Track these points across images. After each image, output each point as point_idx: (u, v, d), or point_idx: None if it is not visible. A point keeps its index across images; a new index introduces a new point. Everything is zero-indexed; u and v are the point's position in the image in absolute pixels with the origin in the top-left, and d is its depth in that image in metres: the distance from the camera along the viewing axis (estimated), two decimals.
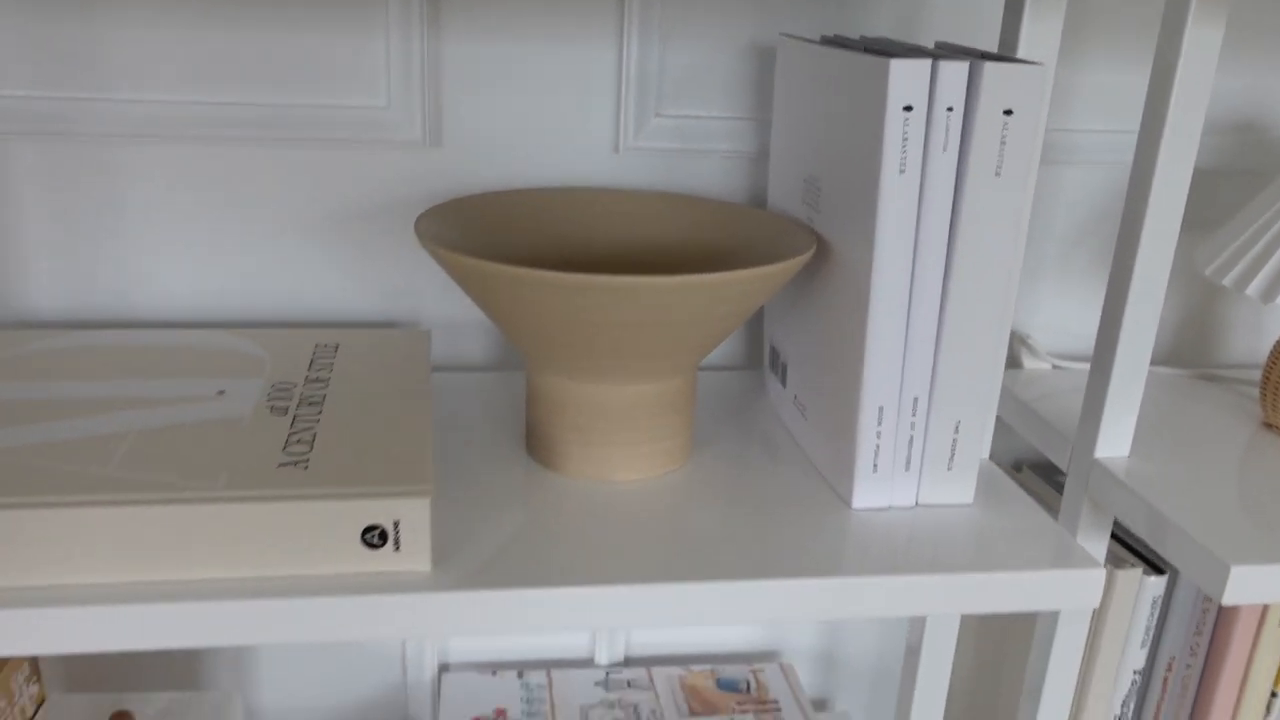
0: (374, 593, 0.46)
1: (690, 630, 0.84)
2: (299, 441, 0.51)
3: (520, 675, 0.80)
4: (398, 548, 0.47)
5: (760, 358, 0.77)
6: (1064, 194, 0.76)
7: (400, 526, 0.47)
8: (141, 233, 0.67)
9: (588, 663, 0.83)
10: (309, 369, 0.60)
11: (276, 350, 0.62)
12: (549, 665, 0.82)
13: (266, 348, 0.62)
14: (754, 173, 0.72)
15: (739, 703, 0.78)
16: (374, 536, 0.47)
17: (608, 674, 0.80)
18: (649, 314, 0.49)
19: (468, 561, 0.49)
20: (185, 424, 0.52)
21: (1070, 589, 0.51)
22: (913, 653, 0.73)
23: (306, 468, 0.48)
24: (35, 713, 0.67)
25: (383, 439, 0.51)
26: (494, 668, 0.81)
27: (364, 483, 0.47)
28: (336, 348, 0.63)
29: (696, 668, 0.81)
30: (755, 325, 0.76)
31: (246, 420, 0.53)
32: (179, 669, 0.78)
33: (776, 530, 0.53)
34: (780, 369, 0.66)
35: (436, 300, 0.72)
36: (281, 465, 0.48)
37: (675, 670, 0.81)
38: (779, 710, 0.77)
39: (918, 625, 0.72)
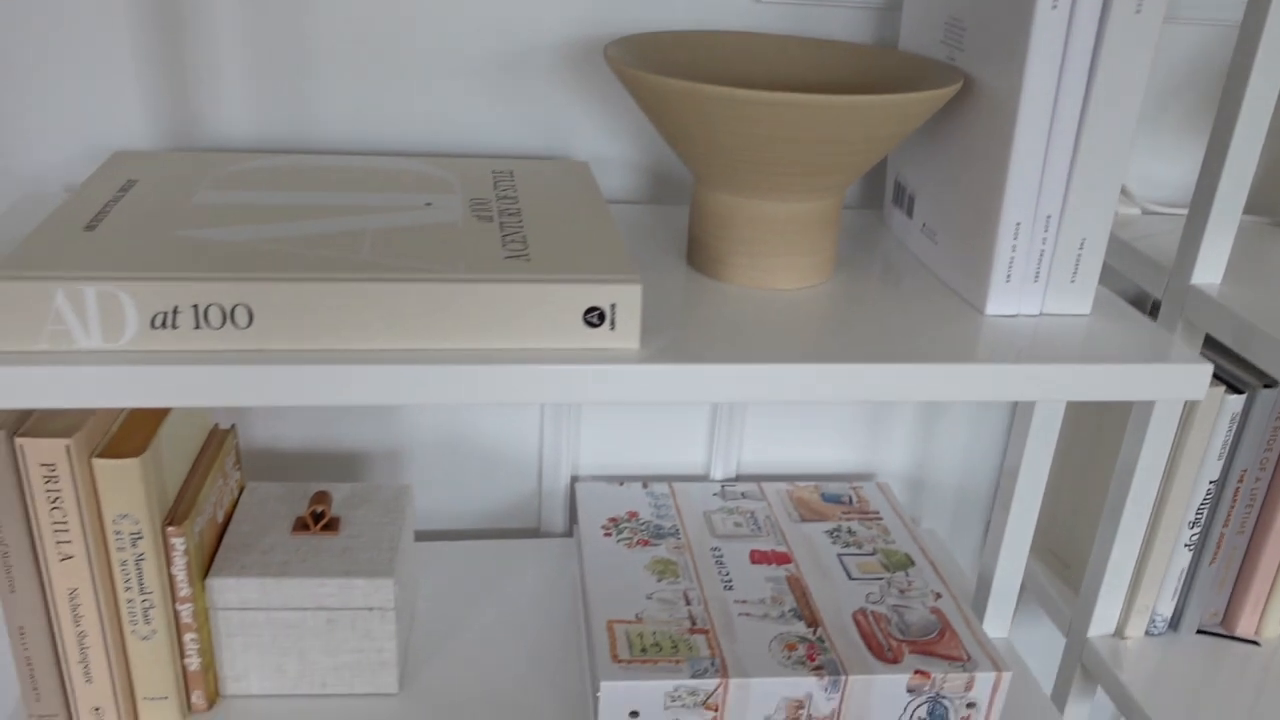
0: (595, 363, 0.54)
1: (792, 451, 0.92)
2: (513, 240, 0.58)
3: (645, 486, 0.89)
4: (613, 327, 0.55)
5: (872, 200, 0.84)
6: (1163, 51, 0.82)
7: (616, 309, 0.54)
8: (325, 67, 0.74)
9: (703, 478, 0.92)
10: (494, 189, 0.67)
11: (460, 174, 0.69)
12: (669, 479, 0.91)
13: (450, 171, 0.69)
14: (881, 24, 0.78)
15: (844, 512, 0.87)
16: (594, 316, 0.54)
17: (723, 486, 0.89)
18: (829, 131, 0.56)
19: (664, 344, 0.56)
20: (409, 226, 0.59)
21: (1178, 380, 0.59)
22: (1010, 475, 0.81)
23: (529, 260, 0.56)
24: (239, 494, 0.76)
25: (584, 240, 0.59)
26: (620, 479, 0.90)
27: (584, 270, 0.54)
28: (511, 173, 0.70)
29: (801, 484, 0.90)
30: (871, 169, 0.82)
31: (460, 224, 0.60)
32: (345, 470, 0.87)
33: (917, 329, 0.60)
34: (906, 201, 0.73)
35: (585, 138, 0.78)
36: (507, 257, 0.56)
37: (783, 485, 0.90)
38: (880, 520, 0.86)
39: (1016, 449, 0.80)
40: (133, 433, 0.63)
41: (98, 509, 0.61)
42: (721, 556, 0.80)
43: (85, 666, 0.65)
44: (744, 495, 0.88)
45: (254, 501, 0.75)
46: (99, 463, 0.60)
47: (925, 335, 0.60)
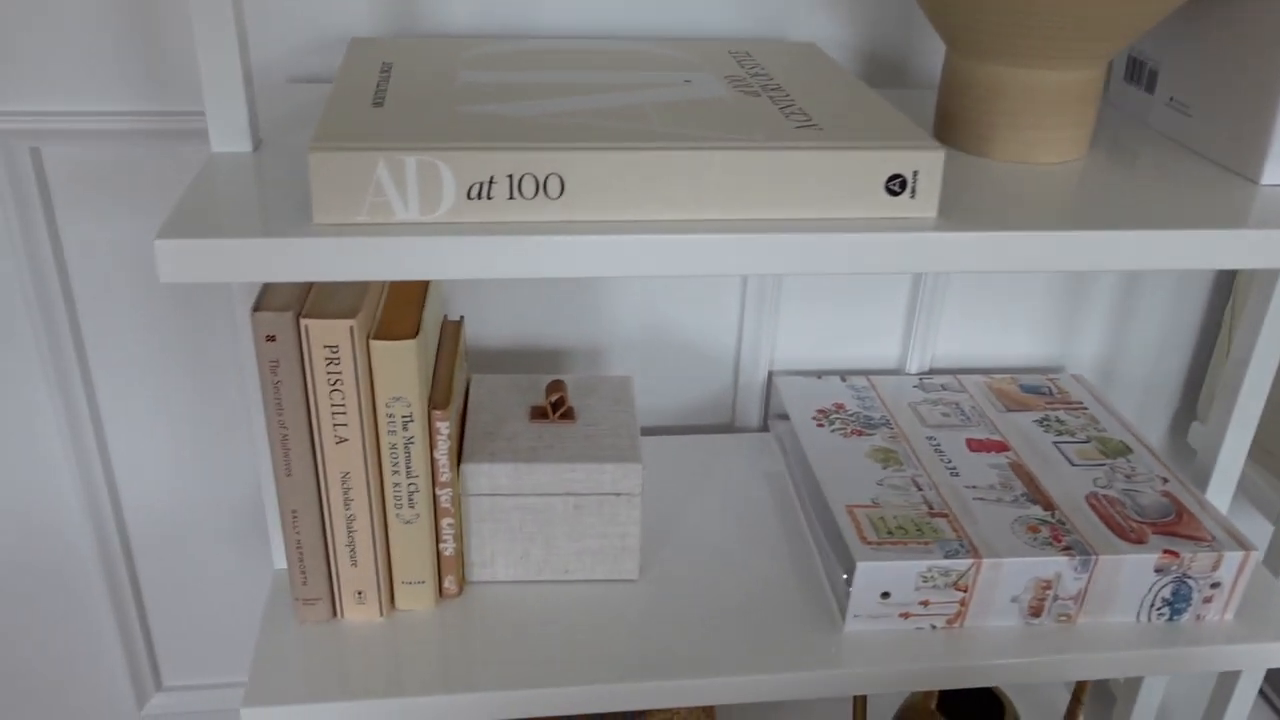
0: (896, 231, 0.53)
1: (983, 344, 0.91)
2: (793, 113, 0.57)
3: (843, 379, 0.88)
4: (913, 195, 0.54)
5: None
6: None
7: (918, 177, 0.53)
8: None
9: (896, 371, 0.91)
10: (741, 67, 0.65)
11: (697, 53, 0.68)
12: (863, 373, 0.90)
13: (685, 52, 0.68)
14: None
15: (1048, 403, 0.86)
16: (896, 184, 0.53)
17: (921, 379, 0.89)
18: None
19: (958, 213, 0.55)
20: (680, 101, 0.58)
21: None
22: (1238, 364, 0.79)
23: (821, 130, 0.55)
24: (467, 384, 0.76)
25: (862, 112, 0.57)
26: (818, 373, 0.90)
27: (886, 138, 0.53)
28: (749, 53, 0.69)
29: (997, 376, 0.90)
30: None
31: (728, 99, 0.59)
32: (545, 366, 0.87)
33: (1193, 199, 0.59)
34: (1145, 77, 0.71)
35: (797, 21, 0.77)
36: (798, 127, 0.55)
37: (979, 378, 0.89)
38: (1086, 409, 0.85)
39: (1246, 338, 0.79)
40: (396, 317, 0.63)
41: (372, 391, 0.62)
42: (939, 445, 0.79)
43: (351, 550, 0.66)
44: (944, 388, 0.88)
45: (484, 392, 0.75)
46: (377, 344, 0.60)
47: (1203, 204, 0.58)
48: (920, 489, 0.74)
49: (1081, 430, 0.82)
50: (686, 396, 0.90)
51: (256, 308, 0.58)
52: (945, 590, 0.68)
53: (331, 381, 0.60)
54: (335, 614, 0.68)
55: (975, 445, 0.80)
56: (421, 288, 0.66)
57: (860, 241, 0.53)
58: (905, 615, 0.69)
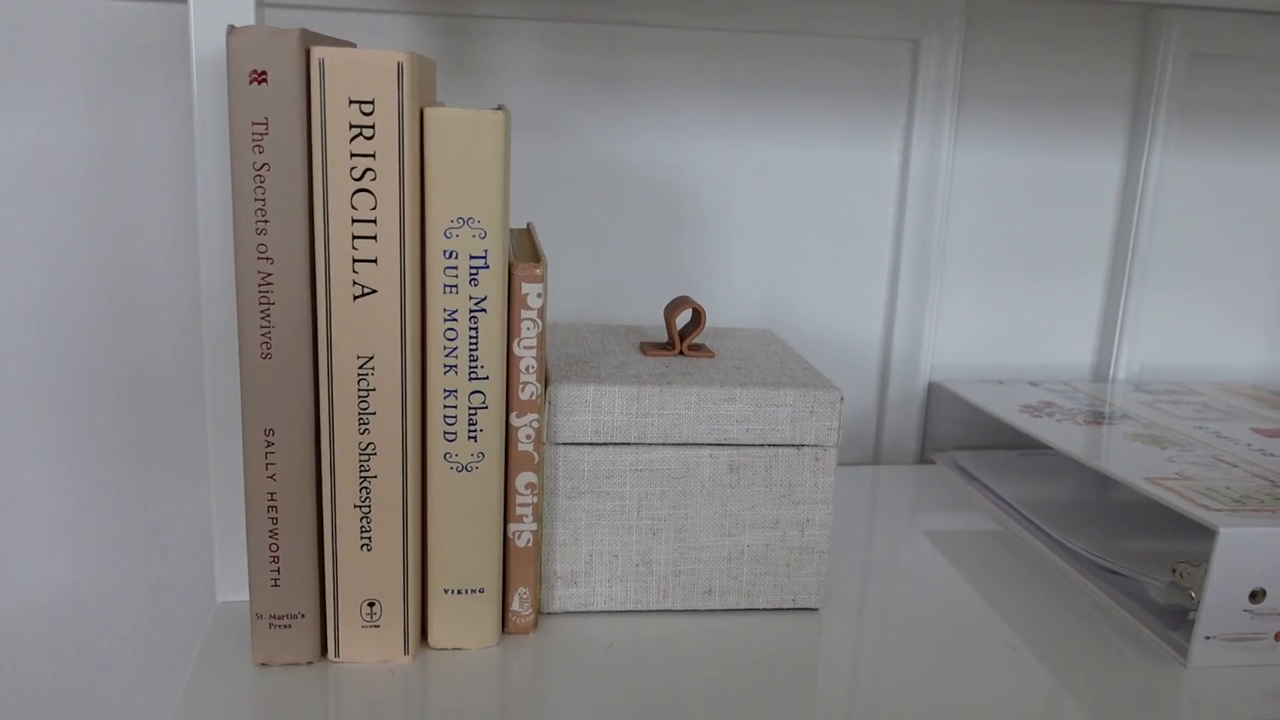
0: None
1: (1185, 353, 0.68)
2: None
3: (1033, 385, 0.64)
4: None
5: None
6: None
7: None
8: None
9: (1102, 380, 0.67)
10: None
11: None
12: (1059, 381, 0.66)
13: None
14: None
15: None
16: None
17: (1138, 386, 0.65)
18: None
19: None
20: None
21: None
22: None
23: None
24: None
25: None
26: (996, 380, 0.65)
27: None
28: None
29: (1238, 384, 0.66)
30: None
31: None
32: None
33: None
34: None
35: None
36: None
37: (1208, 384, 0.65)
38: None
39: None
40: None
41: (421, 201, 0.36)
42: (1220, 433, 0.54)
43: (364, 518, 0.37)
44: (1171, 391, 0.64)
45: (561, 333, 0.49)
46: (437, 113, 0.35)
47: None
48: (1235, 465, 0.48)
49: None
50: None
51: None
52: None
53: (357, 172, 0.35)
54: (324, 650, 0.39)
55: (1270, 432, 0.55)
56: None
57: None
58: None
